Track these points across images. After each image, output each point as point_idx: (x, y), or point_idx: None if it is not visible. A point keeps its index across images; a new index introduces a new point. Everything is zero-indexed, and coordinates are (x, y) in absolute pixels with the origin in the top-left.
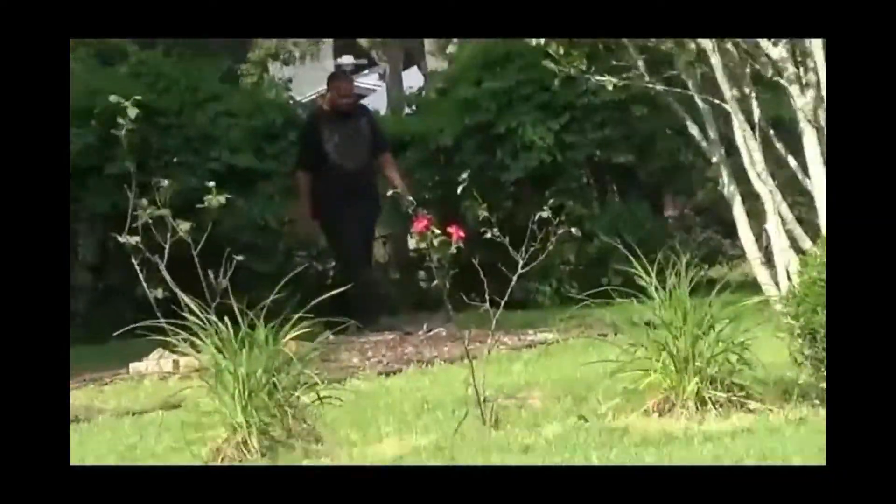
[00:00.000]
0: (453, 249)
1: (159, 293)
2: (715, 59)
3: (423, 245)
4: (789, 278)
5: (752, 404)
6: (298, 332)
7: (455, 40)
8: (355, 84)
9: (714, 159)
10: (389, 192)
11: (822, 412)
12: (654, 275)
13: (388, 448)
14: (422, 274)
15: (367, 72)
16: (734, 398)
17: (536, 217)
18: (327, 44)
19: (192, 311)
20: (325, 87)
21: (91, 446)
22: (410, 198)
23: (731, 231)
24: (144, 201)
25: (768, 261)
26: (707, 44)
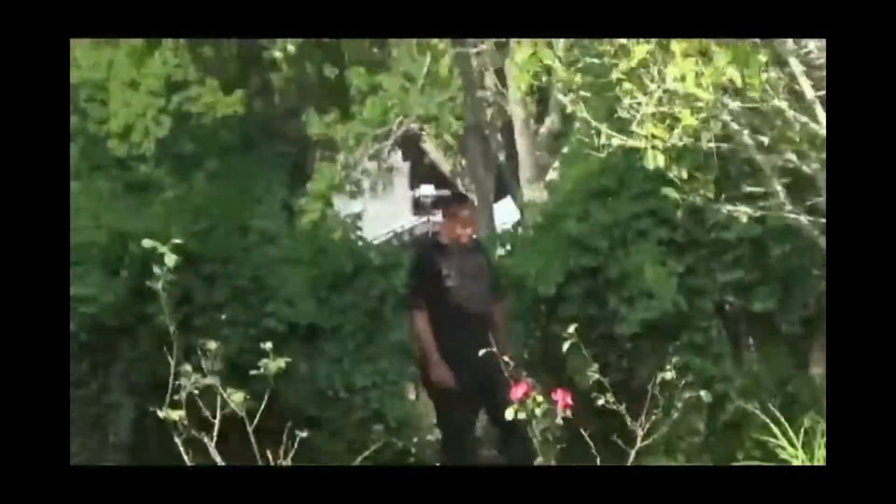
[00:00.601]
0: (559, 419)
1: None
2: None
3: (522, 415)
4: None
5: None
6: None
7: (555, 165)
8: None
9: None
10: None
11: None
12: (799, 446)
13: None
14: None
15: None
16: None
17: (658, 379)
18: (402, 172)
19: None
20: (406, 222)
21: None
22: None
23: None
24: (188, 367)
25: None
26: None
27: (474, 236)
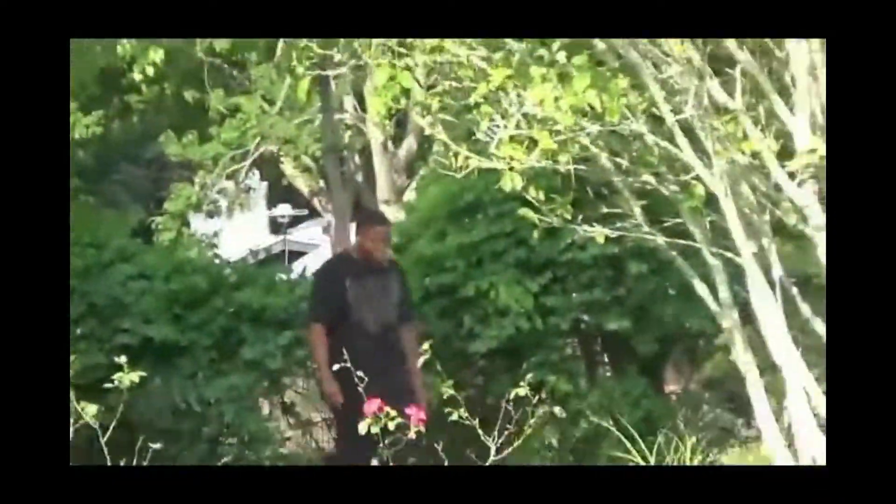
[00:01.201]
0: (412, 434)
1: None
2: (727, 205)
3: (375, 430)
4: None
5: None
6: None
7: (412, 186)
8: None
9: (726, 325)
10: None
11: None
12: (653, 461)
13: None
14: (374, 462)
15: (307, 224)
16: None
17: (512, 395)
18: (259, 192)
19: None
20: (263, 241)
21: None
22: (420, 390)
23: (745, 409)
24: None
25: (790, 444)
26: (717, 186)
27: (388, 254)
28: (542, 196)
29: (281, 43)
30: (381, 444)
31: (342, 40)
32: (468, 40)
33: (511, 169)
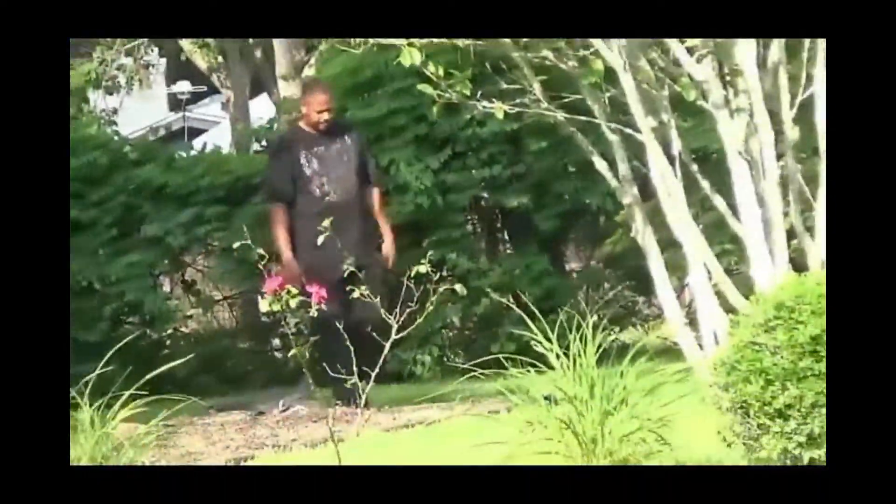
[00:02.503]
0: (314, 312)
1: None
2: (626, 81)
3: (276, 307)
4: (717, 342)
5: None
6: (130, 413)
7: (311, 62)
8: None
9: (626, 201)
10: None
11: None
12: (554, 340)
13: None
14: (276, 342)
15: (206, 101)
16: None
17: (412, 272)
18: (158, 69)
19: None
20: (162, 118)
21: None
22: (388, 258)
23: (646, 287)
24: None
25: (692, 322)
26: (616, 61)
27: (332, 119)
28: (441, 72)
29: None
30: (282, 324)
31: None
32: None
33: (410, 44)
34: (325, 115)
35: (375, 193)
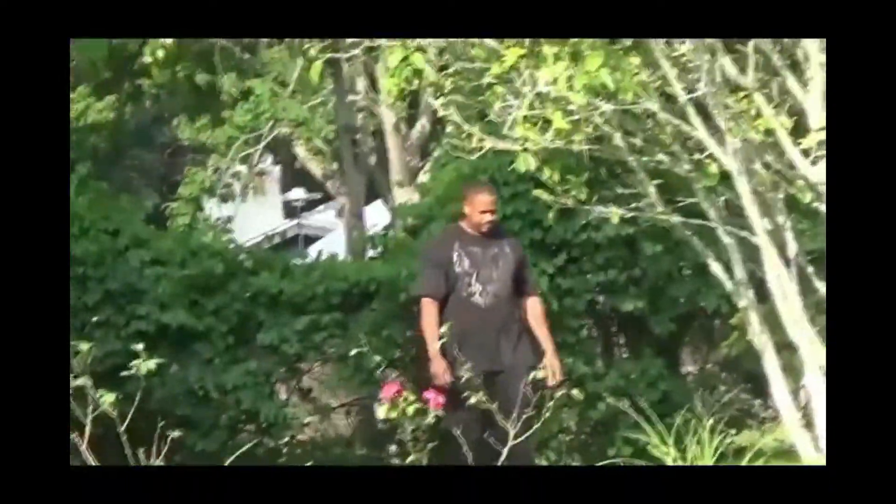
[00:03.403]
0: (431, 418)
1: None
2: (741, 184)
3: (393, 414)
4: None
5: None
6: None
7: (426, 168)
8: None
9: (742, 304)
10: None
11: None
12: (671, 443)
13: None
14: (393, 449)
15: (321, 208)
16: None
17: (530, 377)
18: (273, 176)
19: None
20: (277, 225)
21: None
22: (556, 368)
23: (762, 389)
24: None
25: (808, 423)
26: (731, 164)
27: (494, 222)
28: (556, 177)
29: None
30: (398, 431)
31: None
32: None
33: (525, 150)
34: (488, 217)
35: (533, 303)
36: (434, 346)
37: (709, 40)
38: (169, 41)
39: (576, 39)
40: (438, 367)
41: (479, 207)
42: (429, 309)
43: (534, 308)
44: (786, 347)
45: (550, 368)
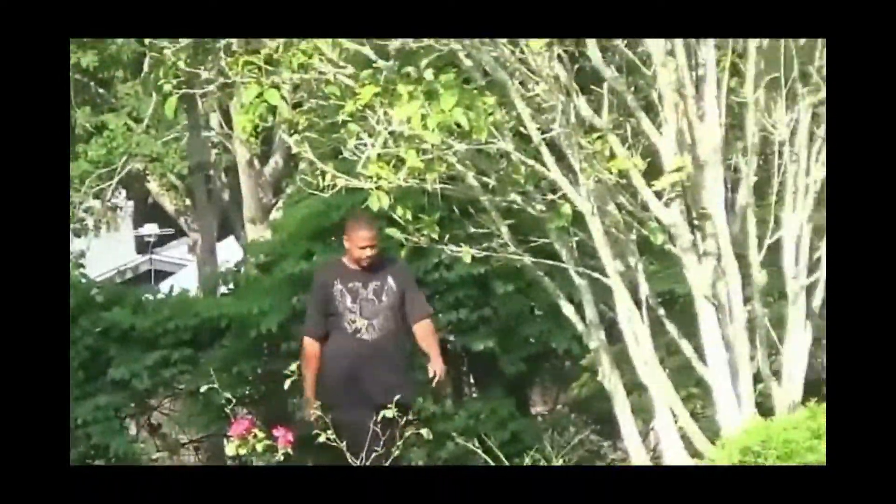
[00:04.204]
0: (280, 456)
1: None
2: (594, 224)
3: (243, 451)
4: None
5: None
6: None
7: (279, 205)
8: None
9: (592, 345)
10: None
11: None
12: None
13: None
14: None
15: (174, 243)
16: None
17: (379, 417)
18: (126, 211)
19: None
20: (129, 260)
21: None
22: (440, 368)
23: (612, 430)
24: None
25: (657, 465)
26: (584, 205)
27: (374, 256)
28: (409, 215)
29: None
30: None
31: (210, 57)
32: (333, 57)
33: (378, 188)
34: (368, 252)
35: (422, 326)
36: (307, 391)
37: (564, 81)
38: None
39: (430, 79)
40: (308, 413)
41: (358, 243)
42: (308, 350)
43: (424, 330)
44: (636, 389)
45: (433, 367)
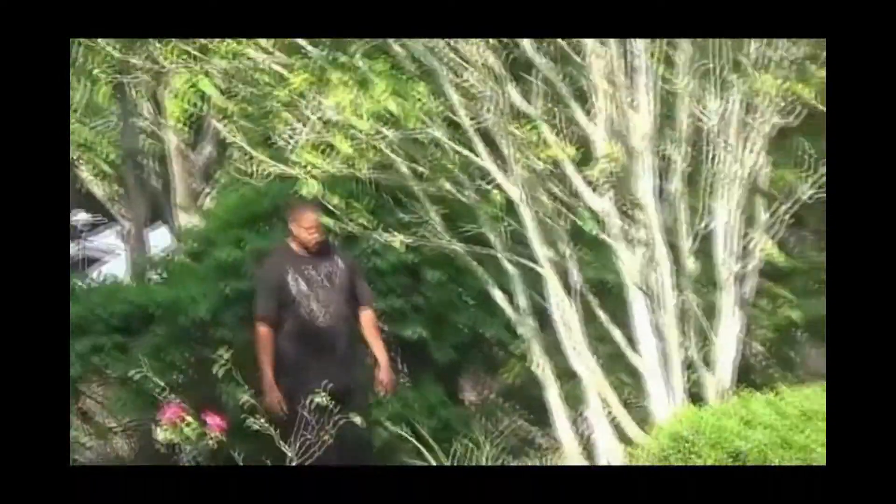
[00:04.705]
0: (211, 442)
1: None
2: (525, 213)
3: (173, 437)
4: None
5: None
6: None
7: (211, 192)
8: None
9: (523, 332)
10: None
11: None
12: None
13: None
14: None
15: (104, 230)
16: None
17: (311, 403)
18: None
19: None
20: None
21: None
22: (386, 383)
23: (543, 418)
24: None
25: (589, 453)
26: (515, 193)
27: (322, 239)
28: (340, 202)
29: (80, 47)
30: (178, 454)
31: (139, 43)
32: (265, 45)
33: (310, 175)
34: (316, 236)
35: (366, 316)
36: (268, 375)
37: (496, 69)
38: None
39: (362, 66)
40: (273, 398)
41: (306, 225)
42: (263, 334)
43: (367, 320)
44: (568, 377)
45: (382, 381)
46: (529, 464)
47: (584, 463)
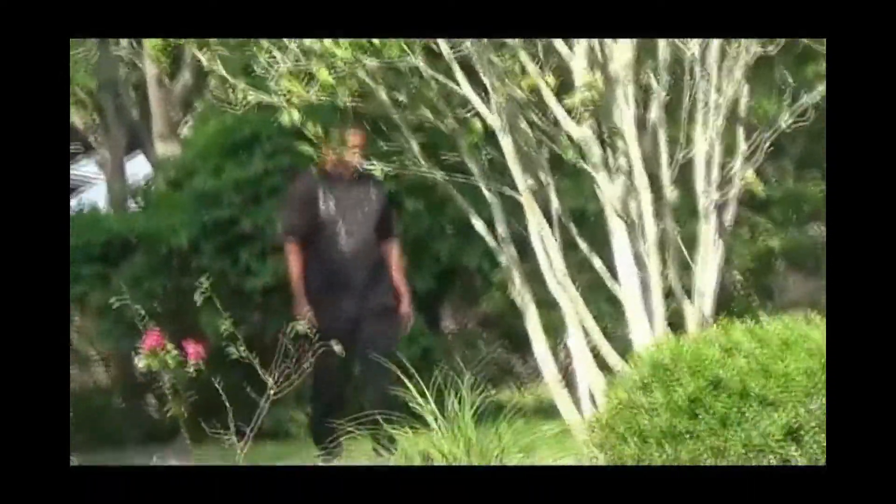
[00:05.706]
0: (191, 370)
1: None
2: (505, 141)
3: (153, 365)
4: (594, 402)
5: None
6: None
7: (189, 121)
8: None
9: (503, 261)
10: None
11: None
12: (431, 399)
13: None
14: (152, 400)
15: (82, 159)
16: None
17: (290, 331)
18: None
19: None
20: None
21: None
22: (406, 318)
23: (523, 346)
24: None
25: (568, 382)
26: (495, 121)
27: (363, 166)
28: (320, 131)
29: None
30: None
31: None
32: None
33: (289, 103)
34: (355, 160)
35: (394, 247)
36: (298, 287)
37: None
38: None
39: None
40: (301, 308)
41: (353, 143)
42: (292, 250)
43: (392, 252)
44: (548, 306)
45: (404, 315)
46: (509, 392)
47: (566, 392)
